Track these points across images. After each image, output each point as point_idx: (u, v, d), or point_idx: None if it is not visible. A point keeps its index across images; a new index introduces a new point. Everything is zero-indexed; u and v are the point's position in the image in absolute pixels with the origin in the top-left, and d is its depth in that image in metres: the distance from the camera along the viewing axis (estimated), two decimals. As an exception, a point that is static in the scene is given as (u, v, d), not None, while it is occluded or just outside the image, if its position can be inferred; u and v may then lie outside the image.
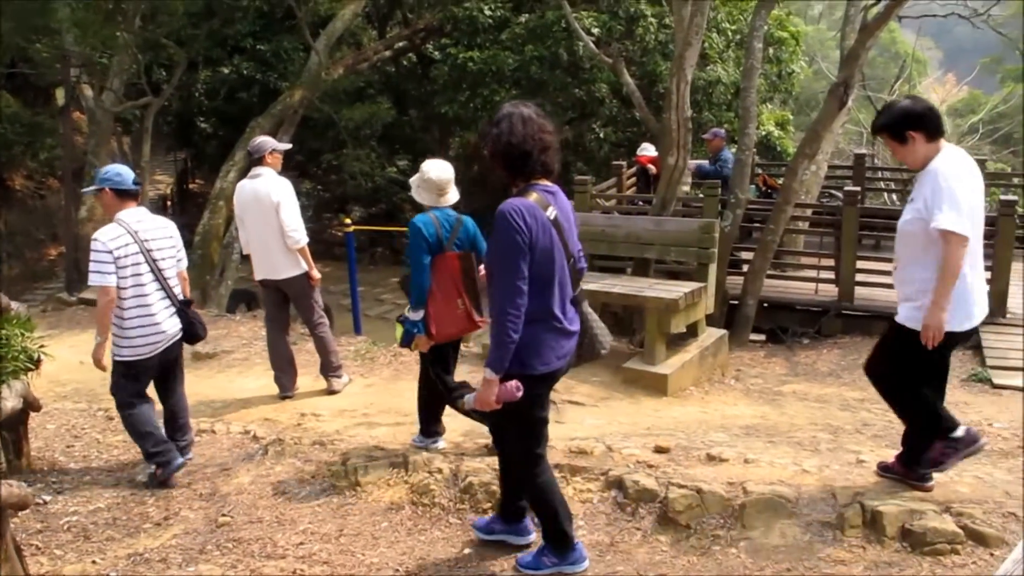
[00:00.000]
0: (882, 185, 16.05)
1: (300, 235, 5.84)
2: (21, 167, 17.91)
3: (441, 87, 16.51)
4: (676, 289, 6.62)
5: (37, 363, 4.69)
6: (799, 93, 21.89)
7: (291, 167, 18.04)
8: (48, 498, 4.55)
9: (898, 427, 4.11)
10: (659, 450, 4.53)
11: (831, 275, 9.28)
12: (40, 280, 16.50)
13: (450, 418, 4.85)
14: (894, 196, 16.08)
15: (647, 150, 11.70)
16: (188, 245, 13.06)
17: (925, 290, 3.60)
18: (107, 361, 4.63)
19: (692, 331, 6.97)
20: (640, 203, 11.05)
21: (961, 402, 6.19)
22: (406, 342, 4.58)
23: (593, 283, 6.92)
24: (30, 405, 4.72)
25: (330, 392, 6.20)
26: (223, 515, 4.26)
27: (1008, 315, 8.30)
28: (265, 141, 6.06)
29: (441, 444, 4.80)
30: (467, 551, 3.78)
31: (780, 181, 10.89)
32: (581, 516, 3.99)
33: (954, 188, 3.51)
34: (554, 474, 3.55)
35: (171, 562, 3.83)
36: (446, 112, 16.39)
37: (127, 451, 5.24)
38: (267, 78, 17.54)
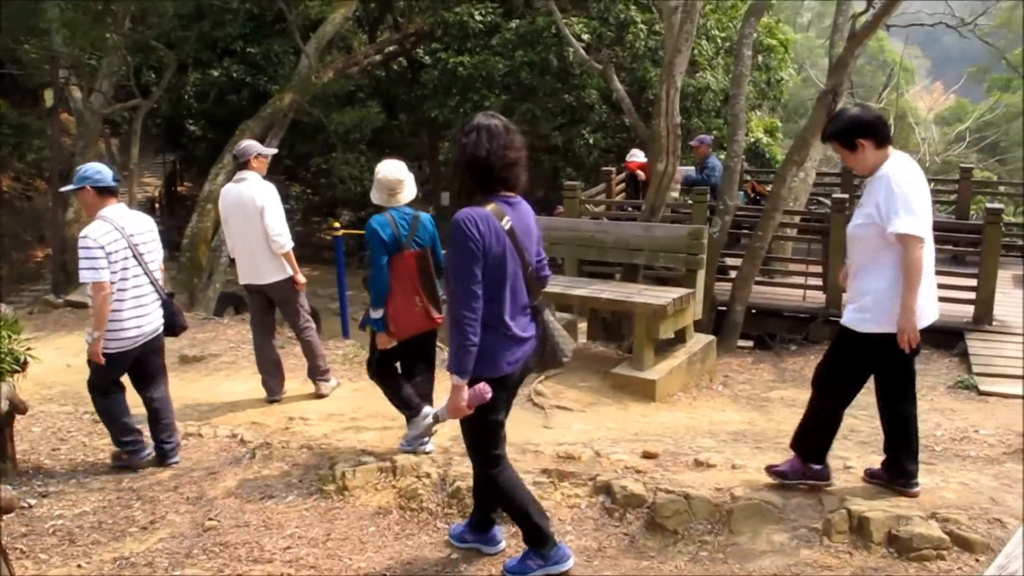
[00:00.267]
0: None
1: (285, 240, 5.82)
2: (8, 168, 17.81)
3: (431, 92, 16.55)
4: (665, 295, 6.63)
5: (23, 365, 4.69)
6: (788, 100, 22.05)
7: (280, 170, 18.10)
8: (33, 501, 4.51)
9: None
10: (647, 455, 4.54)
11: (819, 282, 9.34)
12: (27, 282, 16.38)
13: (442, 425, 4.82)
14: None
15: (636, 156, 11.74)
16: (176, 248, 13.14)
17: (879, 301, 3.66)
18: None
19: (680, 337, 6.99)
20: (629, 209, 11.10)
21: (947, 409, 6.22)
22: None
23: (582, 288, 6.94)
24: (16, 408, 4.68)
25: (318, 396, 6.18)
26: (210, 519, 4.23)
27: (995, 322, 8.36)
28: (250, 145, 6.04)
29: (430, 447, 4.78)
30: (454, 556, 3.78)
31: (769, 188, 10.95)
32: (569, 521, 3.99)
33: (907, 192, 3.59)
34: (517, 473, 3.57)
35: (157, 566, 3.81)
36: (436, 116, 16.43)
37: (113, 455, 5.20)
38: (257, 81, 17.53)
